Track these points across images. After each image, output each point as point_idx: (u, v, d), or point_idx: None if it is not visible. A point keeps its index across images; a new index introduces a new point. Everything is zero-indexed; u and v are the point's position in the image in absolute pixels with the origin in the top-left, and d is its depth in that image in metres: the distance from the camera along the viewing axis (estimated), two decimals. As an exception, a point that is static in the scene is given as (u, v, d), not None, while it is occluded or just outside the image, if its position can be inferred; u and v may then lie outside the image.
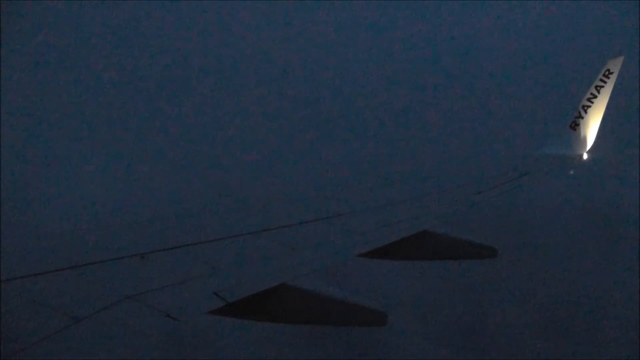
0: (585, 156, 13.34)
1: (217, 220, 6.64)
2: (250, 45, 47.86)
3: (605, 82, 13.03)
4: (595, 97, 13.15)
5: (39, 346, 3.44)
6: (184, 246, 5.36)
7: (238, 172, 36.36)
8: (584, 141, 13.32)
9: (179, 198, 32.38)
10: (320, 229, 6.65)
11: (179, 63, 45.44)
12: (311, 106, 43.98)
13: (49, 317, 3.75)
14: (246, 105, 43.02)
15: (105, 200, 31.29)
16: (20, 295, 3.93)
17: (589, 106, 13.22)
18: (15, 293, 3.93)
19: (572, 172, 13.41)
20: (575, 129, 13.31)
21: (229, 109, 42.60)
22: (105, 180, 33.44)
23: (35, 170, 32.78)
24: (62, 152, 35.20)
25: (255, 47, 47.94)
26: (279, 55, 48.33)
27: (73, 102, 39.66)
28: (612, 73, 12.97)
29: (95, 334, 3.70)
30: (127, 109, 40.51)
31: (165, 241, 5.41)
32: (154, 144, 37.96)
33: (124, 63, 43.68)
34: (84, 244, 5.18)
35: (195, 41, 47.15)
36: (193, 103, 42.84)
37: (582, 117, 13.28)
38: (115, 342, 3.71)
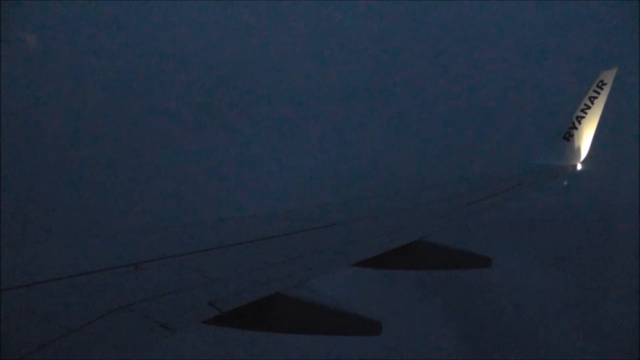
0: (579, 166, 13.39)
1: (211, 230, 6.64)
2: (248, 47, 47.96)
3: (598, 93, 13.10)
4: (589, 108, 13.21)
5: (32, 357, 3.42)
6: (178, 255, 5.35)
7: (233, 180, 36.37)
8: (577, 152, 13.37)
9: (175, 205, 32.35)
10: (314, 238, 6.66)
11: (177, 63, 45.50)
12: (307, 112, 44.07)
13: (42, 328, 3.74)
14: (242, 112, 43.07)
15: (102, 206, 31.24)
16: (13, 305, 3.92)
17: (583, 117, 13.28)
18: (7, 303, 3.92)
19: (565, 183, 13.45)
20: (569, 140, 13.37)
21: (225, 115, 42.64)
22: (101, 185, 33.38)
23: (35, 176, 32.71)
24: (62, 157, 35.13)
25: (254, 49, 48.06)
26: (278, 58, 48.47)
27: (72, 102, 39.64)
28: (605, 84, 13.04)
29: (89, 344, 3.68)
30: (124, 111, 40.49)
31: (160, 250, 5.41)
32: (150, 147, 37.93)
33: (123, 63, 43.71)
34: (78, 253, 5.17)
35: (192, 42, 47.22)
36: (188, 110, 42.88)
37: (576, 128, 13.34)
38: (109, 352, 3.69)
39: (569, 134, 13.39)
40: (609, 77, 13.08)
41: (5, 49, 35.05)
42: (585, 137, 13.37)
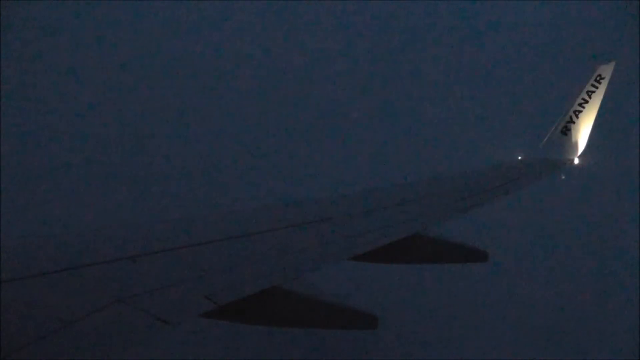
0: (576, 161, 13.41)
1: (208, 223, 6.63)
2: (247, 46, 47.89)
3: (596, 87, 13.12)
4: (587, 102, 13.22)
5: (27, 350, 3.42)
6: (175, 249, 5.35)
7: (230, 174, 36.36)
8: (575, 146, 13.39)
9: (173, 200, 32.36)
10: (311, 232, 6.65)
11: (178, 64, 45.42)
12: (303, 107, 44.04)
13: (38, 320, 3.74)
14: (238, 106, 43.01)
15: (99, 203, 31.25)
16: (11, 297, 3.91)
17: (581, 111, 13.30)
18: (5, 295, 3.91)
19: (563, 177, 13.49)
20: (566, 134, 13.38)
21: (222, 109, 42.59)
22: (100, 182, 33.41)
23: (34, 171, 32.73)
24: (60, 153, 35.14)
25: (253, 47, 47.99)
26: (276, 54, 48.39)
27: (73, 102, 39.61)
28: (603, 78, 13.05)
29: (85, 337, 3.68)
30: (124, 110, 40.46)
31: (157, 244, 5.40)
32: (148, 145, 37.91)
33: (124, 63, 43.63)
34: (75, 246, 5.16)
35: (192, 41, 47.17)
36: (185, 104, 42.82)
37: (574, 122, 13.35)
38: (105, 345, 3.69)
39: (566, 128, 13.41)
40: (606, 71, 13.10)
41: (5, 49, 34.97)
42: (583, 132, 13.40)
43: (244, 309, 4.92)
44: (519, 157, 13.43)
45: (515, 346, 26.11)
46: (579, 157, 13.45)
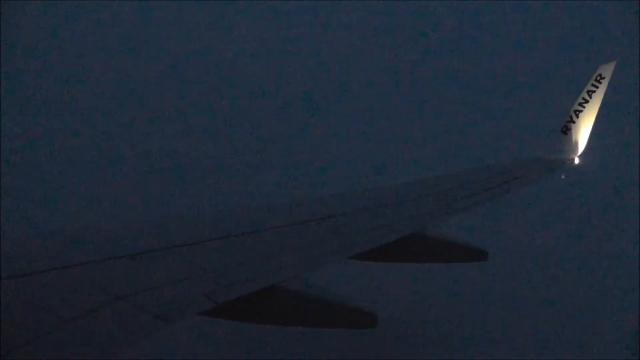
0: (576, 160, 13.40)
1: (208, 221, 6.63)
2: (247, 45, 47.90)
3: (597, 87, 13.10)
4: (587, 101, 13.20)
5: (27, 348, 3.41)
6: (175, 247, 5.34)
7: (230, 173, 36.34)
8: (575, 145, 13.38)
9: (172, 199, 32.35)
10: (311, 230, 6.65)
11: (178, 64, 45.42)
12: (304, 107, 44.05)
13: (38, 318, 3.73)
14: (238, 105, 43.02)
15: (99, 201, 31.24)
16: (10, 295, 3.91)
17: (581, 111, 13.28)
18: (3, 293, 3.90)
19: (563, 176, 13.48)
20: (566, 134, 13.37)
21: (222, 108, 42.59)
22: (100, 181, 33.41)
23: (34, 171, 32.74)
24: (60, 153, 35.14)
25: (253, 47, 47.99)
26: (276, 54, 48.40)
27: (73, 103, 39.62)
28: (603, 78, 13.04)
29: (84, 335, 3.68)
30: (124, 109, 40.47)
31: (156, 242, 5.40)
32: (148, 144, 37.91)
33: (124, 63, 43.62)
34: (74, 244, 5.16)
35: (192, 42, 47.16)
36: (186, 102, 42.83)
37: (574, 122, 13.33)
38: (105, 343, 3.69)
39: (566, 128, 13.39)
40: (607, 70, 13.08)
41: (5, 49, 34.95)
42: (583, 131, 13.38)
43: (243, 307, 4.92)
44: (519, 157, 13.42)
45: (515, 346, 26.08)
46: (579, 156, 13.43)
